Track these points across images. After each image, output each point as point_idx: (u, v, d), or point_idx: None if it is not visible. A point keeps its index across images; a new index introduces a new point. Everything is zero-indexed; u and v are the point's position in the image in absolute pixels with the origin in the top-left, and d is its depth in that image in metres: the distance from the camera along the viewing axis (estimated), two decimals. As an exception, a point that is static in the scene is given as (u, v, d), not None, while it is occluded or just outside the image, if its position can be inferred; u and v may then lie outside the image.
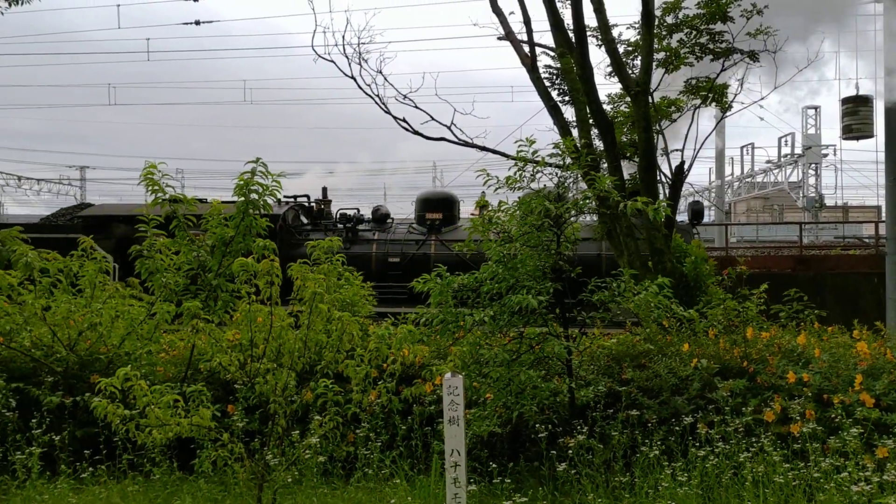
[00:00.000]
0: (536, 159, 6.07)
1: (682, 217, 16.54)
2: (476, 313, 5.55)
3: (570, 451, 5.60)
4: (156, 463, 6.10)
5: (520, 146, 5.95)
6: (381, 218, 16.08)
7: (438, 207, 15.72)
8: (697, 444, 5.75)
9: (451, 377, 5.14)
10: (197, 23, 28.33)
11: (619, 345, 7.31)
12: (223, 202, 6.96)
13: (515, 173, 5.99)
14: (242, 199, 6.72)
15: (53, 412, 6.47)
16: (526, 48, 10.66)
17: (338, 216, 16.21)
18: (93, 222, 15.32)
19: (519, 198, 5.95)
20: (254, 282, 5.27)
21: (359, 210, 16.32)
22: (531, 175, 5.94)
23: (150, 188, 6.51)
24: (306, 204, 16.54)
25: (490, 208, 6.02)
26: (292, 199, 16.52)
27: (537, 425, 5.81)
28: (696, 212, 15.38)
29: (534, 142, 5.97)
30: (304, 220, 16.43)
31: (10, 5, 12.21)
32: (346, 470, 6.16)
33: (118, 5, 33.58)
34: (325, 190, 17.55)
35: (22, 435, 6.21)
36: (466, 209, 17.38)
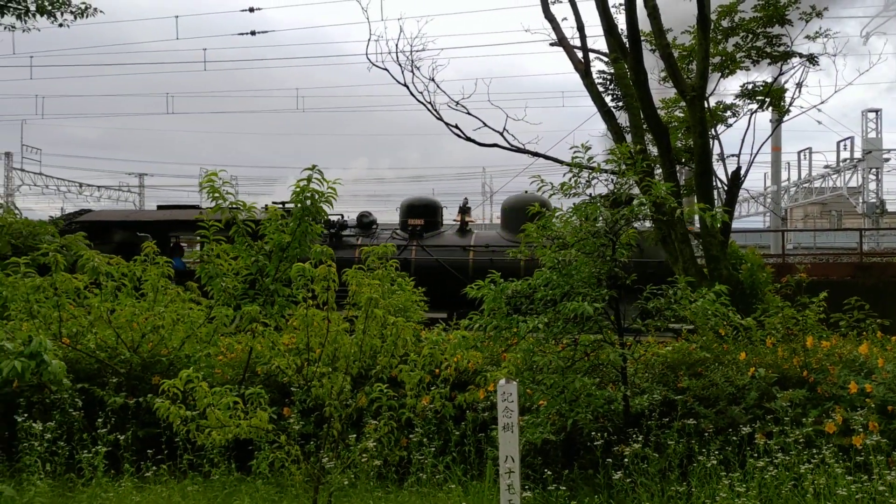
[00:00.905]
0: (591, 165, 6.04)
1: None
2: (530, 320, 5.55)
3: (626, 460, 5.55)
4: (214, 463, 6.24)
5: (575, 152, 5.94)
6: (366, 224, 16.40)
7: (420, 214, 16.01)
8: (756, 454, 5.65)
9: (505, 384, 5.15)
10: (252, 33, 28.93)
11: (675, 352, 7.22)
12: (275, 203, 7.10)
13: (570, 179, 5.98)
14: (299, 205, 6.85)
15: (117, 412, 6.67)
16: (579, 54, 10.63)
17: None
18: (91, 227, 15.72)
19: (574, 204, 5.93)
20: (310, 286, 5.36)
21: (343, 216, 16.64)
22: (586, 181, 5.92)
23: (210, 195, 6.68)
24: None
25: (544, 214, 6.01)
26: (280, 206, 16.92)
27: (592, 433, 5.78)
28: None
29: (588, 148, 5.96)
30: None
31: (75, 18, 12.66)
32: (400, 474, 6.21)
33: (176, 17, 34.45)
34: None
35: (88, 434, 6.41)
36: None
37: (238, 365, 7.56)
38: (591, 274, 5.91)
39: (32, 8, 12.34)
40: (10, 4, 12.25)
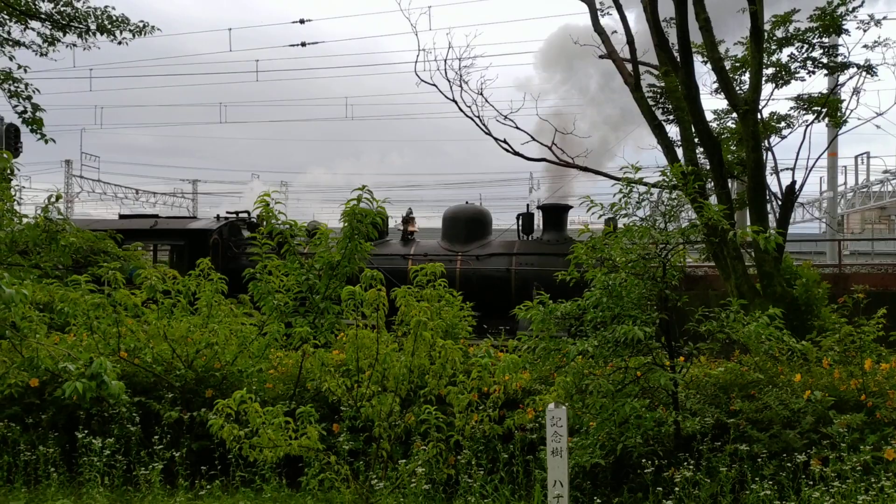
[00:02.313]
0: (641, 183, 5.99)
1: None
2: (580, 343, 5.53)
3: (677, 487, 5.47)
4: (265, 479, 6.34)
5: (625, 172, 5.90)
6: (313, 234, 16.69)
7: None
8: (811, 481, 5.52)
9: (554, 408, 5.14)
10: (303, 44, 29.36)
11: (727, 373, 7.09)
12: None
13: (620, 200, 5.94)
14: (347, 224, 6.95)
15: (172, 426, 6.83)
16: (629, 67, 10.53)
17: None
18: None
19: (625, 225, 5.89)
20: (360, 309, 5.42)
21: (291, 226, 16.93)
22: (637, 202, 5.87)
23: (263, 215, 6.81)
24: (248, 220, 17.67)
25: (593, 234, 5.98)
26: (233, 216, 17.75)
27: (644, 459, 5.71)
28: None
29: (639, 168, 5.91)
30: (248, 234, 17.26)
31: (133, 36, 13.03)
32: (448, 493, 6.23)
33: (230, 29, 35.14)
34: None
35: (144, 449, 6.57)
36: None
37: (289, 380, 7.67)
38: (641, 296, 5.86)
39: (93, 27, 12.75)
40: (72, 24, 12.68)
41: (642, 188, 6.15)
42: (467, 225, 15.28)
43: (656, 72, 10.79)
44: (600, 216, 6.07)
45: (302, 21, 29.54)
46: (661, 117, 10.95)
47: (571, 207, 15.95)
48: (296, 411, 5.43)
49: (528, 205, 15.91)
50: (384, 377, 5.54)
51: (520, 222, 15.21)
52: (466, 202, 16.55)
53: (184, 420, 6.88)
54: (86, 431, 6.54)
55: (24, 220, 7.52)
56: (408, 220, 16.61)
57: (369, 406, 5.46)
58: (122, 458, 6.48)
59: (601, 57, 10.94)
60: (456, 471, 6.19)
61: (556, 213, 15.18)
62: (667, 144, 10.17)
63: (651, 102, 11.13)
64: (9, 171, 4.85)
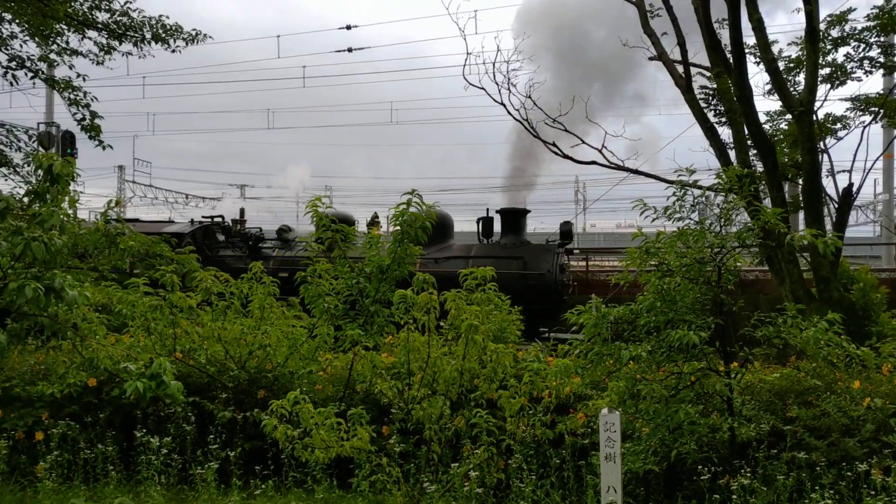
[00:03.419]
0: (696, 186, 5.91)
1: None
2: (633, 348, 5.46)
3: (735, 494, 5.36)
4: (316, 479, 6.40)
5: (679, 175, 5.83)
6: (284, 237, 17.63)
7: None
8: (872, 491, 5.37)
9: (607, 413, 5.10)
10: (349, 50, 29.69)
11: (783, 379, 6.94)
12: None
13: (674, 203, 5.86)
14: (398, 228, 6.99)
15: (225, 425, 6.94)
16: (679, 69, 10.39)
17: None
18: None
19: (679, 228, 5.81)
20: (412, 313, 5.44)
21: (261, 229, 18.08)
22: (691, 205, 5.79)
23: (314, 220, 6.89)
24: (223, 223, 18.31)
25: (646, 239, 5.91)
26: (208, 220, 18.33)
27: (699, 466, 5.62)
28: (565, 232, 15.92)
29: (693, 171, 5.83)
30: (222, 238, 17.93)
31: (186, 44, 13.31)
32: (498, 498, 6.20)
33: (278, 36, 35.69)
34: (242, 211, 20.35)
35: (200, 448, 6.69)
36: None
37: (337, 381, 7.74)
38: (696, 300, 5.77)
39: (148, 36, 13.05)
40: (127, 33, 13.00)
41: (696, 191, 6.07)
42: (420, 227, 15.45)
43: (708, 74, 10.64)
44: (653, 220, 6.00)
45: (348, 27, 29.92)
46: (713, 119, 10.78)
47: (529, 212, 16.33)
48: (347, 413, 5.47)
49: (487, 209, 16.14)
50: (434, 380, 5.56)
51: (479, 226, 15.51)
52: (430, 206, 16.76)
53: (237, 420, 6.98)
54: (144, 430, 6.69)
55: (83, 224, 7.74)
56: (373, 223, 17.29)
57: (420, 409, 5.48)
58: (177, 457, 6.60)
59: (650, 59, 10.82)
60: (506, 475, 6.17)
61: (514, 217, 15.60)
62: (719, 147, 10.00)
63: (702, 104, 10.96)
64: (72, 176, 4.97)
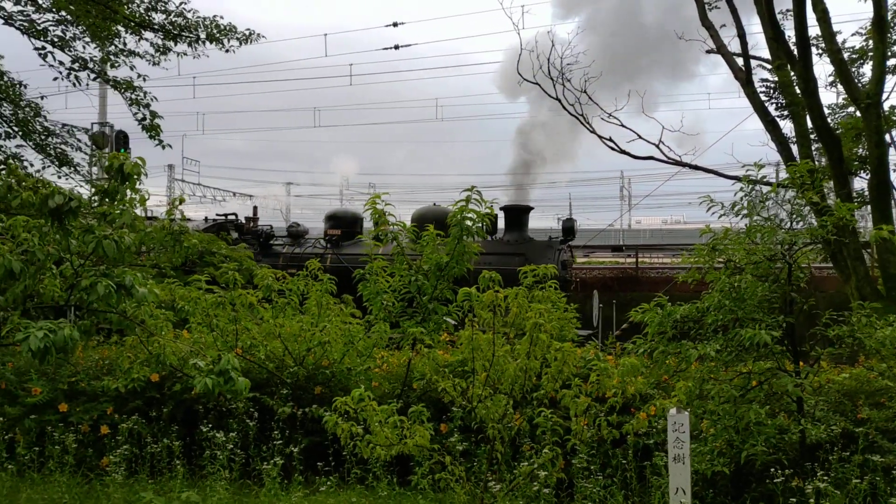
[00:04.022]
0: (764, 183, 5.76)
1: None
2: (700, 346, 5.35)
3: (810, 498, 5.21)
4: (377, 476, 6.41)
5: (747, 170, 5.68)
6: (294, 234, 18.02)
7: (338, 224, 17.54)
8: (953, 497, 5.18)
9: (676, 413, 5.00)
10: (396, 47, 29.72)
11: (852, 379, 6.75)
12: None
13: (742, 199, 5.72)
14: (457, 227, 6.96)
15: (286, 421, 7.00)
16: (739, 61, 10.17)
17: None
18: None
19: (747, 225, 5.67)
20: (476, 311, 5.40)
21: (271, 227, 18.60)
22: (761, 202, 5.65)
23: (373, 217, 6.91)
24: (236, 221, 18.81)
25: (715, 236, 5.78)
26: (222, 218, 18.80)
27: (771, 469, 5.49)
28: (567, 229, 15.79)
29: (762, 166, 5.68)
30: (235, 236, 18.30)
31: (240, 44, 13.46)
32: (560, 498, 6.14)
33: (325, 35, 35.93)
34: (255, 209, 20.83)
35: (266, 446, 6.75)
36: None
37: (393, 378, 7.74)
38: (764, 298, 5.63)
39: (203, 36, 13.22)
40: (182, 34, 13.18)
41: (764, 187, 5.92)
42: (434, 227, 15.43)
43: (769, 66, 10.39)
44: (720, 216, 5.87)
45: (395, 24, 29.91)
46: (774, 113, 10.52)
47: (532, 209, 16.27)
48: (408, 410, 5.46)
49: (490, 206, 15.94)
50: (498, 379, 5.51)
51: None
52: (434, 203, 17.02)
53: (296, 416, 7.03)
54: (210, 426, 6.77)
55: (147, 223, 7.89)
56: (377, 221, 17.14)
57: (483, 407, 5.44)
58: (240, 453, 6.67)
59: (708, 52, 10.60)
60: (567, 475, 6.10)
61: (517, 214, 15.66)
62: (781, 141, 9.75)
63: (763, 98, 10.71)
64: (139, 176, 5.05)
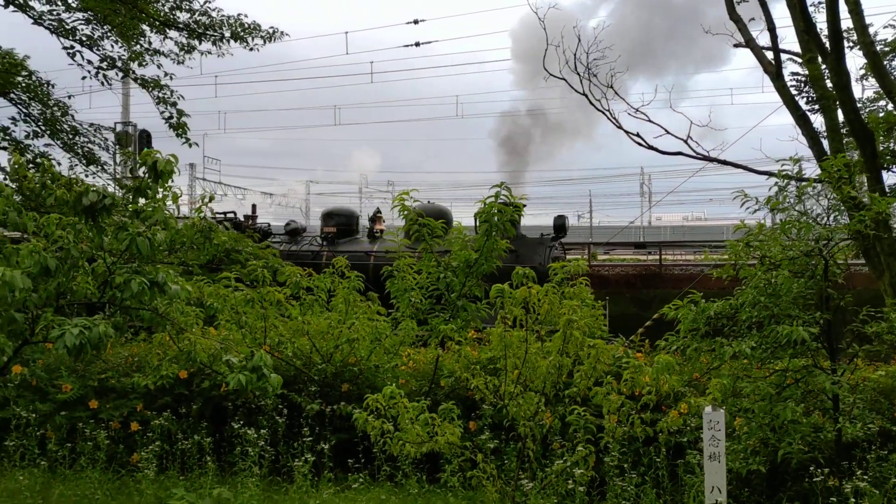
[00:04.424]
0: (799, 179, 5.67)
1: None
2: (735, 344, 5.28)
3: (849, 497, 5.12)
4: (406, 473, 6.40)
5: (782, 164, 5.60)
6: (291, 231, 18.40)
7: (334, 222, 17.84)
8: None
9: (711, 411, 4.94)
10: (417, 44, 29.71)
11: (888, 377, 6.64)
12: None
13: (777, 195, 5.63)
14: (486, 223, 6.92)
15: (314, 418, 7.00)
16: (768, 55, 10.02)
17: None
18: None
19: (782, 220, 5.58)
20: (507, 308, 5.36)
21: (269, 224, 18.89)
22: (797, 197, 5.56)
23: (402, 214, 6.89)
24: (234, 219, 18.81)
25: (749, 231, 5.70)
26: (221, 216, 18.72)
27: (810, 468, 5.41)
28: (559, 226, 15.74)
29: (798, 160, 5.60)
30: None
31: (264, 42, 13.51)
32: (591, 496, 6.09)
33: (346, 32, 36.00)
34: (254, 207, 21.18)
35: (296, 442, 6.76)
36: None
37: (421, 376, 7.73)
38: (800, 294, 5.55)
39: (227, 35, 13.29)
40: (207, 32, 13.26)
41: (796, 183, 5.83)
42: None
43: (799, 60, 10.23)
44: (754, 211, 5.78)
45: (416, 21, 29.90)
46: (804, 107, 10.36)
47: (524, 206, 15.84)
48: (438, 408, 5.44)
49: (483, 203, 15.91)
50: (529, 377, 5.47)
51: (477, 221, 15.40)
52: (429, 202, 17.11)
53: (325, 413, 7.04)
54: (241, 422, 6.79)
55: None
56: (375, 218, 17.83)
57: (514, 405, 5.40)
58: (270, 449, 6.69)
59: (736, 46, 10.46)
60: (598, 473, 6.05)
61: None
62: (812, 136, 9.60)
63: (793, 92, 10.55)
64: (172, 173, 5.06)
